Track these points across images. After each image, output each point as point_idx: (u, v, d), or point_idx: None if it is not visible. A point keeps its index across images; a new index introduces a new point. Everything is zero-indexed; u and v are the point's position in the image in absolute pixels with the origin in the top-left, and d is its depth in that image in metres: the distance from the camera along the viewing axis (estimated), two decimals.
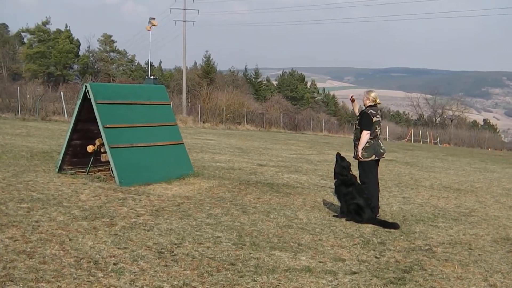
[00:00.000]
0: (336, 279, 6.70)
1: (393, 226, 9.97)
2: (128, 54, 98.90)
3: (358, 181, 10.68)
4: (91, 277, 6.10)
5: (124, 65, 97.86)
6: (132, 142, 12.82)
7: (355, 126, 10.88)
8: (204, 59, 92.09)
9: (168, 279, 6.23)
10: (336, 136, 63.86)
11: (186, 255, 7.18)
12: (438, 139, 79.48)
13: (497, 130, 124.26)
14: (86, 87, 12.70)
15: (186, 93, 71.87)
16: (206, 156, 20.59)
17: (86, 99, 12.78)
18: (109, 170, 13.10)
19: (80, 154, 13.54)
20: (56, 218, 8.64)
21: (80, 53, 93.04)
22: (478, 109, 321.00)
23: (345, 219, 10.31)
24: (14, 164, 14.38)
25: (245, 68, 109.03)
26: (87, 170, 13.55)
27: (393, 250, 8.37)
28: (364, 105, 10.88)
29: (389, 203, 12.71)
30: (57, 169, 13.36)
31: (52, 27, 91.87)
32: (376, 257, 7.85)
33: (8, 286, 5.70)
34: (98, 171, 13.72)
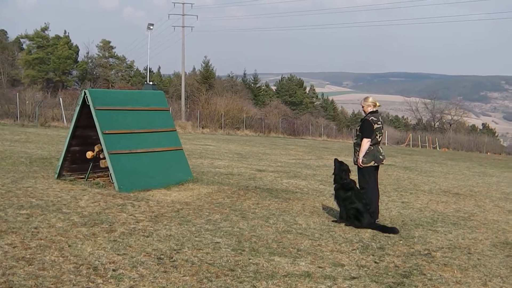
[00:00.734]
0: (336, 284, 6.70)
1: (392, 231, 9.98)
2: (127, 60, 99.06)
3: (357, 186, 10.69)
4: (90, 284, 6.10)
5: (123, 70, 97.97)
6: (131, 148, 12.83)
7: (356, 132, 10.87)
8: (203, 65, 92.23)
9: (167, 285, 6.23)
10: (335, 141, 63.84)
11: (185, 261, 7.18)
12: (437, 143, 79.54)
13: (496, 134, 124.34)
14: (85, 93, 12.72)
15: (185, 99, 71.87)
16: (205, 162, 20.59)
17: (85, 105, 12.79)
18: (108, 176, 13.09)
19: (79, 160, 13.54)
20: (56, 225, 8.64)
21: (79, 59, 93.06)
22: (476, 113, 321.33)
23: (344, 224, 10.32)
24: (13, 170, 14.38)
25: (244, 74, 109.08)
26: (86, 176, 13.55)
27: (392, 255, 8.37)
28: (364, 112, 10.86)
29: (388, 208, 12.71)
30: (56, 175, 13.36)
31: (51, 33, 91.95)
32: (375, 262, 7.86)
33: None
34: (97, 177, 13.72)
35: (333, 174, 10.92)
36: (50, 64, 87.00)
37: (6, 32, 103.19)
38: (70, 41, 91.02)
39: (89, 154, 13.16)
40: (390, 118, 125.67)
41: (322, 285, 6.63)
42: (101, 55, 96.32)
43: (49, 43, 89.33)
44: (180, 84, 73.70)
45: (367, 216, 10.17)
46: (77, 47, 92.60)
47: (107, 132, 12.43)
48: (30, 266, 6.50)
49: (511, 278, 7.62)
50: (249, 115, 67.55)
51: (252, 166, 20.32)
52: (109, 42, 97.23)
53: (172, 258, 7.28)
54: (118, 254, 7.24)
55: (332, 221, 10.64)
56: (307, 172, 19.75)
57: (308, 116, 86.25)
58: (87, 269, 6.55)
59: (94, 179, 13.52)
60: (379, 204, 11.03)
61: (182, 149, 14.43)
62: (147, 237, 8.30)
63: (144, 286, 6.17)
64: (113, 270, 6.59)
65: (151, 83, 16.25)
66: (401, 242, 9.30)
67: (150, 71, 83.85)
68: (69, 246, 7.48)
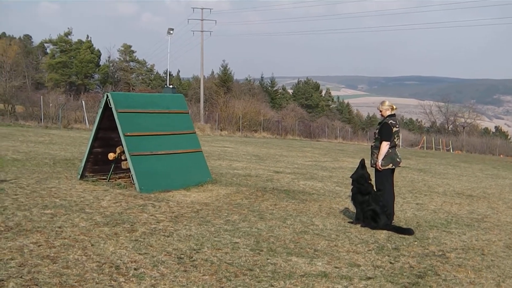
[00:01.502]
0: (352, 284, 6.68)
1: (408, 232, 9.94)
2: (147, 64, 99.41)
3: (374, 188, 10.64)
4: (112, 282, 6.13)
5: (144, 74, 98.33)
6: (152, 150, 12.87)
7: (375, 135, 10.81)
8: (221, 68, 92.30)
9: (187, 284, 6.24)
10: (351, 143, 63.67)
11: (205, 260, 7.19)
12: (451, 146, 79.04)
13: (509, 137, 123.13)
14: (107, 96, 12.78)
15: (204, 102, 71.99)
16: (224, 163, 20.61)
17: (107, 108, 12.86)
18: (130, 177, 13.16)
19: (101, 162, 13.60)
20: (79, 224, 8.69)
21: (101, 63, 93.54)
22: (489, 116, 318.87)
23: (360, 225, 10.29)
24: (37, 171, 14.49)
25: (261, 77, 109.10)
26: (108, 177, 13.61)
27: (407, 255, 8.33)
28: (382, 116, 10.80)
29: (403, 210, 12.66)
30: (79, 176, 13.43)
31: (74, 38, 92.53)
32: (391, 263, 7.83)
33: None
34: (119, 178, 13.78)
35: (351, 177, 10.88)
36: (73, 67, 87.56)
37: (30, 37, 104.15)
38: (92, 45, 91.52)
39: (111, 156, 13.22)
40: (404, 121, 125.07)
41: (339, 285, 6.61)
42: (122, 59, 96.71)
43: (72, 47, 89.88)
44: (199, 87, 73.87)
45: (383, 218, 10.13)
46: (99, 51, 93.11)
47: (128, 134, 12.48)
48: (54, 264, 6.53)
49: None
50: (266, 117, 67.55)
51: (269, 168, 20.32)
52: (130, 46, 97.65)
53: (192, 257, 7.29)
54: (139, 254, 7.26)
55: (348, 222, 10.61)
56: (323, 174, 19.71)
57: (324, 119, 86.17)
58: (109, 268, 6.58)
59: (115, 180, 13.58)
60: (394, 205, 10.98)
61: (201, 151, 14.46)
62: (168, 237, 8.32)
63: (165, 285, 6.18)
64: (135, 269, 6.61)
65: (171, 86, 16.28)
66: (415, 243, 9.26)
67: (170, 74, 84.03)
68: (92, 245, 7.51)
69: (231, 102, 66.88)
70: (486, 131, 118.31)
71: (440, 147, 77.60)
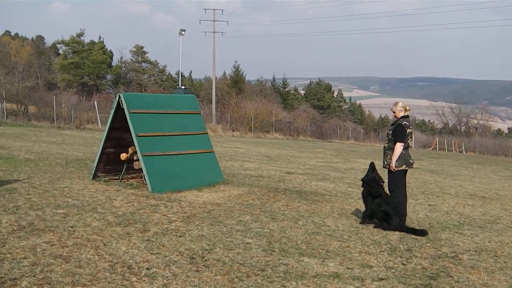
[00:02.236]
0: (364, 285, 6.67)
1: (421, 233, 9.90)
2: (159, 65, 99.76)
3: (386, 190, 10.62)
4: (125, 281, 6.14)
5: (156, 75, 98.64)
6: (164, 151, 12.90)
7: (388, 136, 10.77)
8: (233, 69, 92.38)
9: (199, 284, 6.25)
10: (363, 145, 63.55)
11: (217, 260, 7.20)
12: (463, 147, 78.72)
13: None
14: (119, 97, 12.82)
15: (216, 102, 72.14)
16: (236, 164, 20.63)
17: (119, 108, 12.89)
18: (142, 178, 13.18)
19: (114, 162, 13.65)
20: (91, 224, 8.72)
21: (113, 63, 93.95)
22: (502, 117, 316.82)
23: (373, 226, 10.26)
24: (50, 171, 14.55)
25: (273, 78, 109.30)
26: (120, 177, 13.64)
27: (420, 257, 8.31)
28: (395, 117, 10.77)
29: (415, 211, 12.62)
30: (91, 176, 13.48)
31: (86, 39, 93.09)
32: (403, 264, 7.80)
33: None
34: (131, 178, 13.81)
35: (362, 179, 10.85)
36: (85, 68, 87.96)
37: (43, 38, 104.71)
38: (105, 46, 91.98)
39: (123, 156, 13.26)
40: (416, 122, 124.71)
41: (351, 286, 6.60)
42: (134, 60, 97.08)
43: (84, 48, 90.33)
44: (211, 88, 74.06)
45: (396, 219, 10.09)
46: (111, 52, 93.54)
47: (140, 134, 12.51)
48: (67, 264, 6.56)
49: None
50: (278, 118, 67.59)
51: (281, 169, 20.31)
52: (142, 47, 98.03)
53: (204, 257, 7.30)
54: (151, 253, 7.28)
55: (360, 223, 10.59)
56: (335, 174, 19.69)
57: (336, 120, 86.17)
58: (121, 268, 6.60)
59: (128, 180, 13.61)
60: (407, 207, 10.95)
61: (213, 151, 14.48)
62: (180, 237, 8.33)
63: (177, 284, 6.19)
64: (147, 269, 6.63)
65: (183, 87, 16.28)
66: (428, 244, 9.22)
67: (181, 75, 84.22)
68: (104, 245, 7.54)
69: (243, 103, 66.91)
70: (499, 132, 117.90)
71: (453, 148, 77.32)
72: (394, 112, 10.82)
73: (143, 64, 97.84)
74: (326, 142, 59.80)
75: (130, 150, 13.19)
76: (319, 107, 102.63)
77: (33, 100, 52.19)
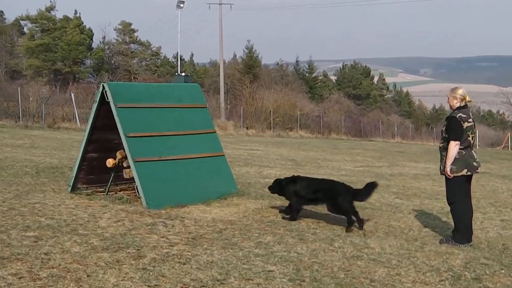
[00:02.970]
0: None
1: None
2: (152, 46, 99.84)
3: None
4: None
5: (148, 59, 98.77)
6: (161, 155, 12.93)
7: (442, 133, 10.73)
8: (246, 51, 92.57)
9: None
10: (412, 143, 63.49)
11: None
12: None
13: None
14: (103, 88, 12.86)
15: (225, 93, 72.23)
16: (252, 170, 20.66)
17: (103, 102, 12.93)
18: (134, 189, 13.21)
19: (98, 170, 13.70)
20: (71, 249, 8.73)
21: (94, 45, 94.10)
22: None
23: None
24: (16, 182, 14.62)
25: (296, 61, 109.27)
26: (107, 189, 13.69)
27: (492, 287, 8.26)
28: (451, 108, 10.71)
29: (483, 228, 12.56)
30: (69, 188, 13.53)
31: (58, 14, 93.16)
32: None
33: None
34: (120, 191, 13.88)
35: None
36: (58, 51, 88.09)
37: (2, 13, 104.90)
38: (82, 23, 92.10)
39: (109, 162, 13.29)
40: (481, 114, 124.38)
41: None
42: (120, 40, 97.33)
43: (56, 26, 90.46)
44: (218, 75, 74.08)
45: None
46: (91, 31, 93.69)
47: (131, 135, 12.55)
48: None
49: None
50: (304, 112, 67.64)
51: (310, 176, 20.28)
52: (130, 24, 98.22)
53: None
54: (148, 286, 7.29)
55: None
56: (379, 182, 19.61)
57: (377, 113, 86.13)
58: None
59: (116, 193, 13.67)
60: (472, 222, 10.89)
61: (223, 155, 14.50)
62: (184, 264, 8.33)
63: None
64: None
65: (183, 74, 16.33)
66: (502, 271, 9.16)
67: (181, 59, 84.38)
68: (87, 276, 7.55)
69: (259, 93, 67.01)
70: None
71: None
72: (448, 100, 10.76)
73: (132, 45, 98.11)
74: (365, 141, 59.78)
75: (119, 155, 13.22)
76: (355, 97, 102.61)
77: None
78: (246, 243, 9.82)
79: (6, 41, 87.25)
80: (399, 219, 12.99)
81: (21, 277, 7.33)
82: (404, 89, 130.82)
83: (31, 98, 48.00)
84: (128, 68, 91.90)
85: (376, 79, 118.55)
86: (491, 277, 8.77)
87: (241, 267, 8.36)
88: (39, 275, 7.46)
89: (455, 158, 10.37)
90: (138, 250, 8.94)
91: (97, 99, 13.05)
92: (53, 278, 7.36)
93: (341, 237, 10.71)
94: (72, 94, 50.60)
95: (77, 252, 8.62)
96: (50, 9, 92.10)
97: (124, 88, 13.54)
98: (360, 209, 13.77)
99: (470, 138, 10.48)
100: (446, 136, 10.49)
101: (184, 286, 7.39)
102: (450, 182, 10.56)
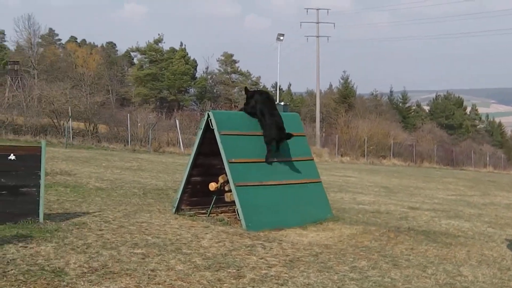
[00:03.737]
0: None
1: None
2: (252, 76, 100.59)
3: None
4: None
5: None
6: (262, 180, 12.98)
7: None
8: (341, 81, 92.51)
9: None
10: (504, 173, 62.08)
11: None
12: None
13: None
14: (208, 116, 13.01)
15: (320, 121, 72.25)
16: (346, 197, 20.55)
17: (208, 129, 13.06)
18: (234, 212, 13.28)
19: (201, 193, 13.83)
20: (175, 267, 8.84)
21: (197, 75, 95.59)
22: None
23: None
24: (125, 202, 14.90)
25: (390, 91, 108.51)
26: (209, 211, 13.81)
27: None
28: None
29: None
30: (174, 210, 13.71)
31: (165, 46, 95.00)
32: None
33: None
34: (221, 213, 13.96)
35: None
36: (164, 81, 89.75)
37: (115, 44, 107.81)
38: (187, 54, 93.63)
39: (212, 186, 13.40)
40: None
41: None
42: (222, 70, 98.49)
43: (163, 57, 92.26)
44: (315, 104, 74.27)
45: None
46: (195, 62, 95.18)
47: (233, 161, 12.65)
48: None
49: None
50: (397, 141, 67.07)
51: (402, 203, 20.09)
52: (232, 55, 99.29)
53: None
54: None
55: None
56: (471, 211, 19.29)
57: (469, 143, 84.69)
58: None
59: (217, 215, 13.76)
60: None
61: (320, 181, 14.47)
62: (282, 285, 8.34)
63: None
64: None
65: (282, 103, 16.38)
66: None
67: (279, 89, 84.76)
68: None
69: (353, 121, 66.82)
70: None
71: None
72: None
73: (233, 75, 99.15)
74: (457, 170, 58.76)
75: (221, 179, 13.32)
76: (447, 127, 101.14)
77: (104, 118, 53.61)
78: (341, 267, 9.77)
79: (117, 71, 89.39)
80: (491, 248, 12.71)
81: None
82: (497, 120, 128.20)
83: (139, 124, 48.99)
84: (229, 97, 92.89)
85: (468, 109, 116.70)
86: None
87: None
88: None
89: None
90: (238, 270, 8.98)
91: (202, 126, 13.21)
92: None
93: (434, 264, 10.55)
94: (177, 121, 51.36)
95: (181, 270, 8.72)
96: (158, 41, 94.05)
97: (227, 116, 13.67)
98: (452, 237, 13.58)
99: None
100: None
101: None
102: None
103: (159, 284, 7.90)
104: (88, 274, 8.07)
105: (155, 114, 65.13)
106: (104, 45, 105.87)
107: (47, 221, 11.39)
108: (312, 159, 14.62)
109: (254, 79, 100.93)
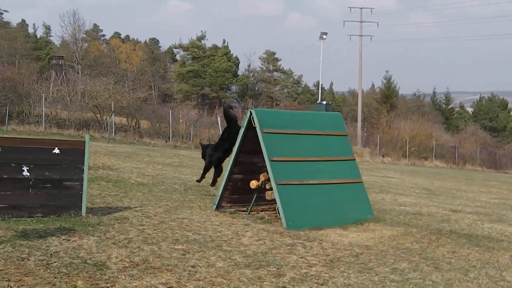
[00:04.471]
0: None
1: None
2: (294, 74, 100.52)
3: None
4: None
5: (289, 87, 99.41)
6: (303, 179, 12.97)
7: None
8: (384, 81, 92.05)
9: None
10: None
11: None
12: None
13: None
14: (250, 114, 13.01)
15: (362, 121, 71.96)
16: (387, 198, 20.45)
17: (250, 127, 13.07)
18: (275, 210, 13.29)
19: (242, 190, 13.86)
20: (215, 264, 8.87)
21: (239, 72, 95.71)
22: None
23: None
24: (166, 198, 14.99)
25: (433, 92, 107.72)
26: (249, 209, 13.83)
27: None
28: None
29: None
30: (214, 206, 13.76)
31: (208, 43, 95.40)
32: None
33: None
34: (262, 211, 13.97)
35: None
36: (206, 77, 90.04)
37: (158, 41, 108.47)
38: (230, 52, 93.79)
39: (253, 184, 13.42)
40: None
41: None
42: (264, 68, 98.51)
43: (206, 54, 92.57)
44: (356, 104, 74.03)
45: None
46: (237, 59, 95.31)
47: (275, 159, 12.64)
48: None
49: None
50: (439, 142, 66.53)
51: (444, 205, 19.93)
52: (274, 53, 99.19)
53: None
54: None
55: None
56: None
57: None
58: None
59: (257, 213, 13.78)
60: None
61: (362, 181, 14.41)
62: (322, 285, 8.32)
63: None
64: None
65: (324, 102, 16.42)
66: None
67: (321, 87, 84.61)
68: None
69: (395, 122, 66.44)
70: None
71: None
72: None
73: (275, 73, 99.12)
74: (500, 173, 58.14)
75: (262, 177, 13.33)
76: (491, 129, 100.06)
77: (146, 114, 53.96)
78: (382, 268, 9.72)
79: (159, 67, 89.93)
80: None
81: (170, 286, 7.52)
82: None
83: (181, 120, 49.20)
84: (271, 95, 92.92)
85: None
86: None
87: None
88: (186, 286, 7.62)
89: None
90: (278, 268, 8.98)
91: (245, 124, 13.22)
92: None
93: (476, 268, 10.44)
94: (218, 118, 51.42)
95: (221, 267, 8.75)
96: (200, 38, 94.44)
97: (270, 114, 13.65)
98: (495, 241, 13.44)
99: None
100: None
101: None
102: None
103: (199, 280, 7.93)
104: (129, 269, 8.14)
105: (196, 110, 65.50)
106: (147, 41, 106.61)
107: (89, 214, 11.52)
108: (354, 159, 14.57)
109: (296, 77, 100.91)
